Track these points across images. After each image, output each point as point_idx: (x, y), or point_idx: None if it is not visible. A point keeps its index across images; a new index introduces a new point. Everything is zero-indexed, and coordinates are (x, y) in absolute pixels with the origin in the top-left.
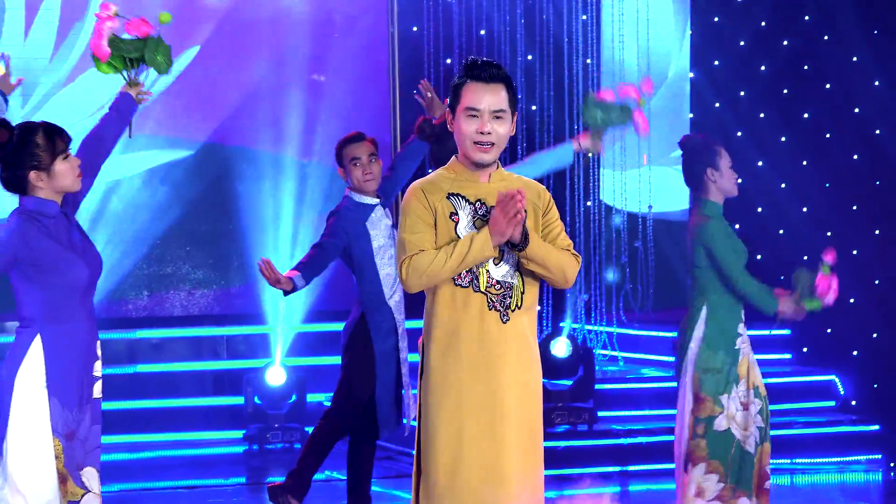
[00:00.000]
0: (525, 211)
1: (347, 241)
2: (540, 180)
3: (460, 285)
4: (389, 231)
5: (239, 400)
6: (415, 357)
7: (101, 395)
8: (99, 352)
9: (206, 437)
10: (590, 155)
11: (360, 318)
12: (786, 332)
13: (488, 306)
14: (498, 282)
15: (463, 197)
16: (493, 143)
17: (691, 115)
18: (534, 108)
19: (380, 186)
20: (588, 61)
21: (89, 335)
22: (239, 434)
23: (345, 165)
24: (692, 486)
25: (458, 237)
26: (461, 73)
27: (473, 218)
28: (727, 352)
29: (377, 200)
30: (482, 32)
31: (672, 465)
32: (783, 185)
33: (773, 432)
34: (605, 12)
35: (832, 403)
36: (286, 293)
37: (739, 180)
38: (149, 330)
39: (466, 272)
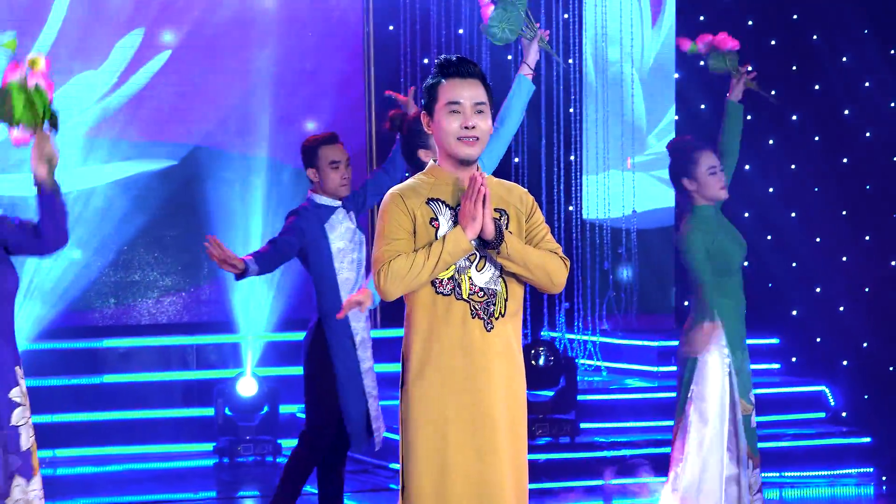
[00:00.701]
0: (508, 214)
1: (304, 243)
2: (520, 181)
3: (442, 293)
4: (351, 234)
5: (209, 411)
6: (383, 367)
7: (22, 424)
8: (20, 379)
9: (174, 450)
10: (546, 48)
11: (318, 325)
12: (774, 341)
13: (471, 314)
14: (481, 289)
15: (443, 202)
16: (477, 138)
17: (676, 118)
18: None
19: (352, 195)
20: (570, 61)
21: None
22: (209, 447)
23: (320, 167)
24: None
25: None
26: (435, 73)
27: (455, 223)
28: (744, 350)
29: (339, 203)
30: (460, 31)
31: (663, 479)
32: (770, 190)
33: (760, 444)
34: (588, 11)
35: (822, 415)
36: (238, 277)
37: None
38: (115, 339)
39: (448, 279)
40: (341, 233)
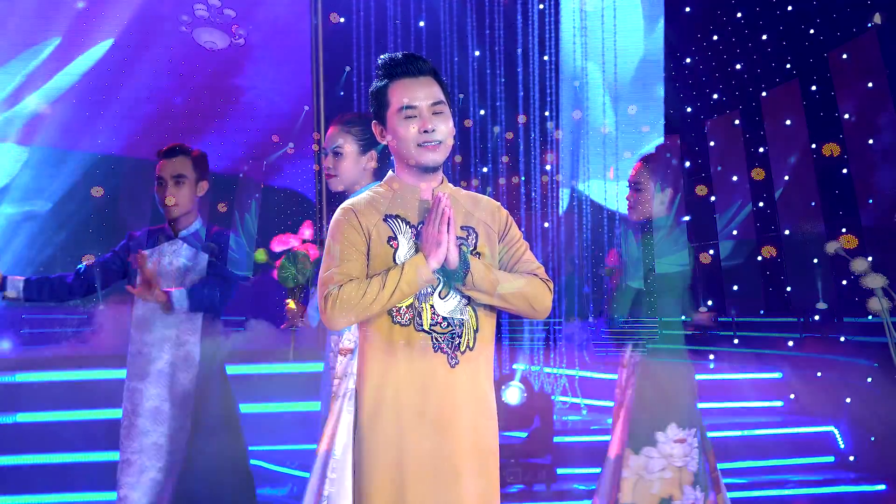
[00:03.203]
0: (476, 232)
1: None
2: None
3: (399, 323)
4: (176, 274)
5: None
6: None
7: None
8: None
9: (99, 499)
10: None
11: None
12: (777, 375)
13: (433, 348)
14: (445, 318)
15: (403, 219)
16: (440, 141)
17: (664, 121)
18: (482, 112)
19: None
20: (545, 58)
21: None
22: None
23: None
24: None
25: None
26: (381, 75)
27: (416, 243)
28: None
29: (176, 237)
30: (421, 24)
31: None
32: (760, 205)
33: (762, 493)
34: (565, 1)
35: (830, 459)
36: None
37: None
38: (29, 373)
39: (407, 307)
40: (162, 267)
